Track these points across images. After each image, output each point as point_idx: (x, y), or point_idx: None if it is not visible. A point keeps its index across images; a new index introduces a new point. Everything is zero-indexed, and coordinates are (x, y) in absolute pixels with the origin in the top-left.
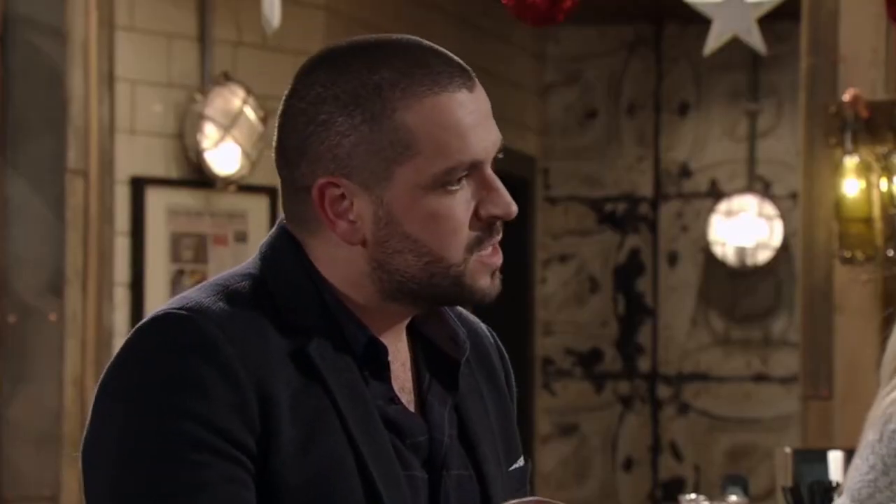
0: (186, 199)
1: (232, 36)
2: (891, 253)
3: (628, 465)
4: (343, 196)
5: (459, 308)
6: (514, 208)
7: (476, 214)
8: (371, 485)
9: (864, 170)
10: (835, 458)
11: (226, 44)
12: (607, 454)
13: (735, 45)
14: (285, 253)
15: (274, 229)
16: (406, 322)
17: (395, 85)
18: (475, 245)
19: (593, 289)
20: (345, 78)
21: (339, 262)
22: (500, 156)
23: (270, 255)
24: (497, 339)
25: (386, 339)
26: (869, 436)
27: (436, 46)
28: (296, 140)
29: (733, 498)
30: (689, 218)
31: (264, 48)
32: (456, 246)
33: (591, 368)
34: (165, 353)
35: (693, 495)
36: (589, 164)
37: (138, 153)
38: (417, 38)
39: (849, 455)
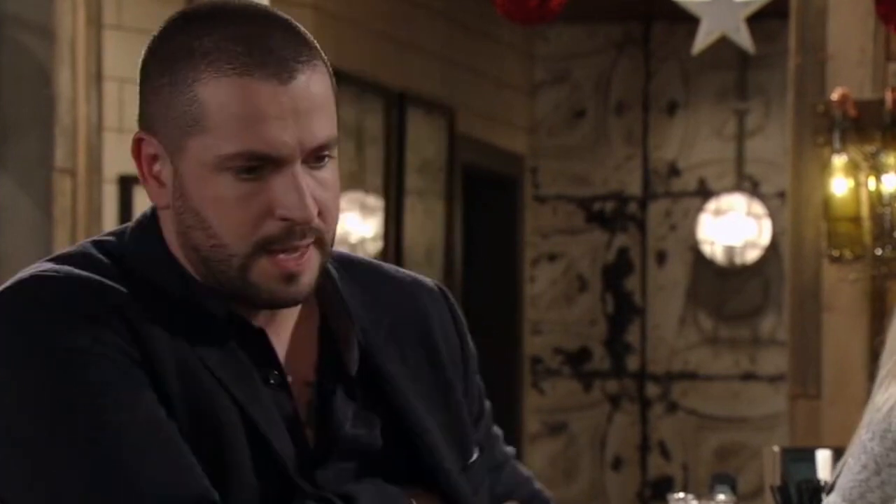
0: None
1: None
2: (879, 252)
3: (617, 464)
4: (157, 156)
5: (400, 274)
6: (308, 214)
7: (272, 212)
8: (254, 427)
9: (853, 169)
10: (823, 456)
11: None
12: (596, 453)
13: (723, 44)
14: (151, 233)
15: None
16: (288, 316)
17: (206, 55)
18: (265, 243)
19: (582, 288)
20: (178, 36)
21: (170, 228)
22: (330, 156)
23: (137, 233)
24: (449, 299)
25: (270, 331)
26: (862, 435)
27: (287, 24)
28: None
29: (721, 497)
30: (677, 217)
31: None
32: (240, 236)
33: (579, 367)
34: (43, 312)
35: (681, 494)
36: (577, 163)
37: (126, 152)
38: (273, 12)
39: (837, 454)
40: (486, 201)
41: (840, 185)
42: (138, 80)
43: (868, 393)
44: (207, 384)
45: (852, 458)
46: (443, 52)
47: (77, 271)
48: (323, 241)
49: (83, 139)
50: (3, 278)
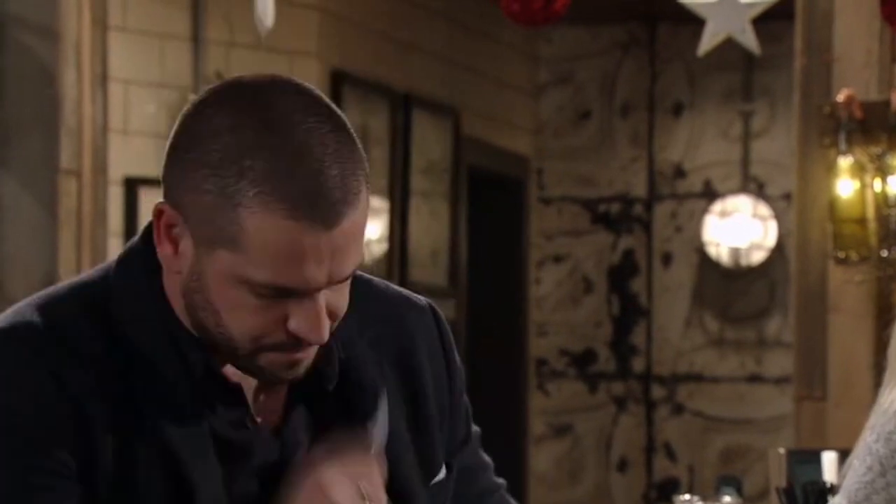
0: None
1: (225, 36)
2: (885, 253)
3: (622, 465)
4: (178, 226)
5: (389, 290)
6: (321, 337)
7: (286, 322)
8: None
9: (858, 170)
10: (829, 458)
11: (219, 44)
12: (601, 455)
13: (729, 46)
14: (138, 269)
15: (142, 231)
16: None
17: (256, 184)
18: (271, 348)
19: (587, 289)
20: (229, 139)
21: (173, 279)
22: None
23: (123, 269)
24: (439, 318)
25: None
26: (867, 437)
27: (338, 138)
28: (171, 149)
29: (727, 499)
30: (683, 218)
31: (257, 48)
32: (249, 338)
33: (585, 369)
34: None
35: (687, 496)
36: (583, 165)
37: (131, 153)
38: (324, 110)
39: (843, 456)
40: (492, 203)
41: (846, 187)
42: (169, 146)
43: (874, 394)
44: (146, 446)
45: (857, 460)
46: (447, 53)
47: (46, 336)
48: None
49: (88, 140)
50: (7, 279)
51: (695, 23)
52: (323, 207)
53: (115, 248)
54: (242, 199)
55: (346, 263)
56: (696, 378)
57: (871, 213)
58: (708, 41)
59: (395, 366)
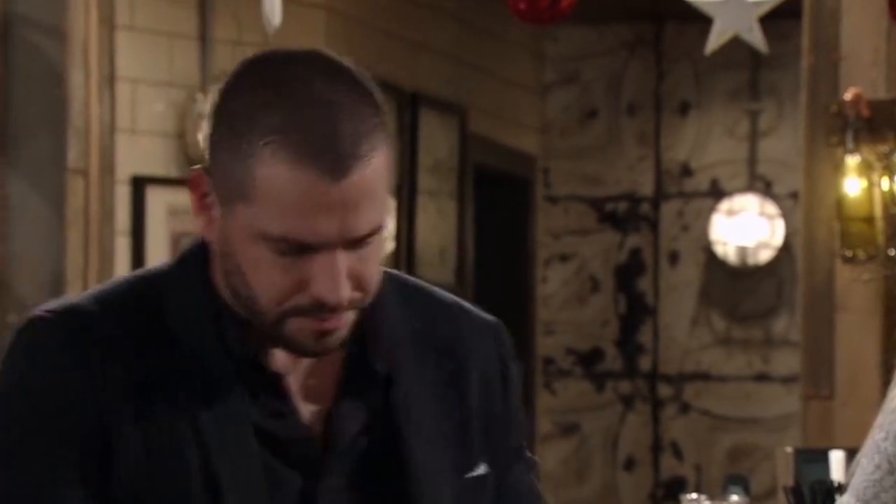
0: (187, 198)
1: (232, 35)
2: (892, 252)
3: (629, 464)
4: (211, 194)
5: (446, 297)
6: (341, 299)
7: (307, 286)
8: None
9: (866, 169)
10: (836, 457)
11: (226, 43)
12: (608, 454)
13: (736, 44)
14: (194, 258)
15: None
16: None
17: (267, 135)
18: (293, 312)
19: (594, 288)
20: (248, 98)
21: (216, 254)
22: (375, 238)
23: (181, 259)
24: (499, 336)
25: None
26: (876, 435)
27: (357, 99)
28: (209, 120)
29: (734, 498)
30: (689, 217)
31: (265, 47)
32: (273, 300)
33: (591, 368)
34: (21, 361)
35: (694, 495)
36: (589, 164)
37: (139, 153)
38: (346, 75)
39: (850, 454)
40: (498, 201)
41: (853, 186)
42: (211, 118)
43: (881, 393)
44: (179, 438)
45: (865, 459)
46: (454, 52)
47: (74, 314)
48: (359, 306)
49: (96, 140)
50: (15, 278)
51: (701, 21)
52: (331, 158)
53: (122, 248)
54: (253, 150)
55: (360, 220)
56: (703, 377)
57: (878, 211)
58: (715, 40)
59: (436, 358)
